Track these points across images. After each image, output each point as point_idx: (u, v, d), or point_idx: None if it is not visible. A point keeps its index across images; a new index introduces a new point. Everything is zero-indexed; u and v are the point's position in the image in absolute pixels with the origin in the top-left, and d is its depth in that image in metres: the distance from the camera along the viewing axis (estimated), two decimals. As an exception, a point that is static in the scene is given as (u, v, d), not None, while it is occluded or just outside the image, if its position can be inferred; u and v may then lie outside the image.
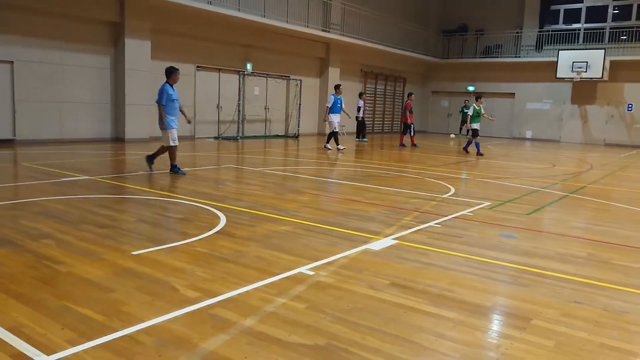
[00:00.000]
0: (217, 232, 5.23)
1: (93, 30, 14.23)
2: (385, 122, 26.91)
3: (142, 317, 3.11)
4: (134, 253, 4.40)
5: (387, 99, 26.73)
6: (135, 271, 3.95)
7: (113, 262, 4.15)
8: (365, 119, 24.83)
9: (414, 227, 5.79)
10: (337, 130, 15.32)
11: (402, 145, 18.42)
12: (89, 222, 5.45)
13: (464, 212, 6.78)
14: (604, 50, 22.95)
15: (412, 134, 18.51)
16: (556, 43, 25.25)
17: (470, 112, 15.61)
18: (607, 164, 14.99)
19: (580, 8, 25.35)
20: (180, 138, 9.50)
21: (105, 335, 2.86)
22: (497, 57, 26.57)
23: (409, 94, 19.26)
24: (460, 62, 27.61)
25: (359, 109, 19.79)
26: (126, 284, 3.68)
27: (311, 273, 4.08)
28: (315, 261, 4.37)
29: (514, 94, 26.12)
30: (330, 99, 15.46)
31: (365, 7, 22.67)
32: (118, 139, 14.79)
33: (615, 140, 23.90)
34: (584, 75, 23.12)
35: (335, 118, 15.37)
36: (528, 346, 3.00)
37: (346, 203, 7.18)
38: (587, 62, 22.99)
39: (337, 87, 15.97)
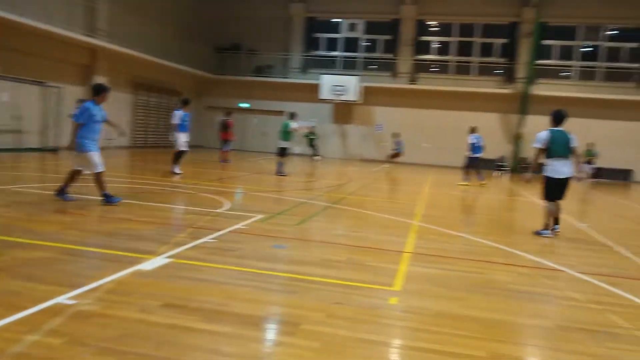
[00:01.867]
0: (-53, 265, 4.34)
1: None
2: (159, 136, 25.99)
3: None
4: None
5: (161, 113, 25.87)
6: None
7: None
8: (138, 133, 23.74)
9: (188, 243, 5.67)
10: (185, 149, 13.28)
11: (225, 161, 18.46)
12: None
13: (238, 225, 6.91)
14: (357, 77, 26.09)
15: (224, 149, 18.75)
16: (319, 67, 27.81)
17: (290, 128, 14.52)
18: (362, 177, 16.98)
19: (338, 38, 28.46)
20: None
21: None
22: (268, 76, 28.08)
23: (228, 112, 19.37)
24: (234, 79, 28.35)
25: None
26: None
27: (72, 302, 3.66)
28: (77, 288, 3.94)
29: (282, 111, 27.80)
30: (177, 115, 13.03)
31: (136, 16, 21.68)
32: None
33: (369, 156, 27.27)
34: (342, 98, 25.91)
35: (183, 137, 13.19)
36: (298, 350, 3.18)
37: (115, 222, 6.68)
38: (344, 86, 25.83)
39: (185, 101, 13.55)
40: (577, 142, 7.94)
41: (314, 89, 26.40)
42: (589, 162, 22.37)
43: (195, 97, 28.88)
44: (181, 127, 13.11)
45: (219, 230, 6.46)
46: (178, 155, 13.13)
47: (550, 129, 7.99)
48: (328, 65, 28.01)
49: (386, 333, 3.61)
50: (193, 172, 14.88)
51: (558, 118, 8.05)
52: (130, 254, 5.06)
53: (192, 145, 28.27)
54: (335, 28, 28.55)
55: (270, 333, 3.52)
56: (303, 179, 15.03)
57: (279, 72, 28.31)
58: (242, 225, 6.93)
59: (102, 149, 8.43)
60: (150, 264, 4.76)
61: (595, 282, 5.31)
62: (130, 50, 20.89)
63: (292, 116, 15.48)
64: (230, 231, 6.52)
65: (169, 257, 5.07)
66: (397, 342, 3.51)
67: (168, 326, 3.39)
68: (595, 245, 7.63)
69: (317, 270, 5.02)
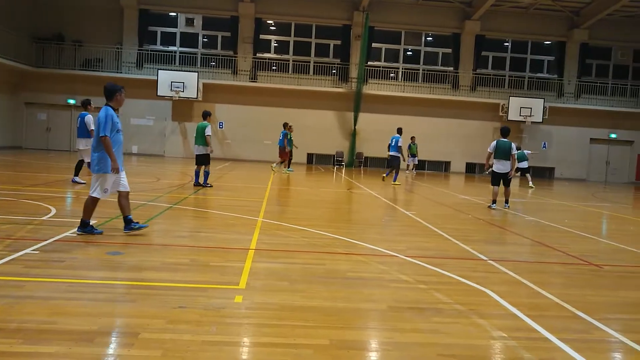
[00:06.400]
0: None
1: None
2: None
3: None
4: None
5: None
6: None
7: None
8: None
9: (5, 257, 5.00)
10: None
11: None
12: None
13: (67, 233, 6.30)
14: (197, 73, 25.47)
15: None
16: (156, 63, 26.53)
17: (208, 132, 12.80)
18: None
19: (175, 32, 27.43)
20: None
21: None
22: (99, 71, 26.00)
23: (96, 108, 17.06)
24: (59, 72, 25.73)
25: None
26: None
27: None
28: None
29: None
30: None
31: None
32: None
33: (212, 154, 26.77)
34: (181, 94, 25.08)
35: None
36: (136, 362, 3.00)
37: None
38: (183, 82, 25.04)
39: (86, 103, 11.65)
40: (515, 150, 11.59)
41: (151, 85, 25.15)
42: (413, 155, 24.60)
43: (11, 92, 25.71)
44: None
45: (44, 240, 5.82)
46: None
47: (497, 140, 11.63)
48: (165, 60, 26.86)
49: (231, 332, 3.57)
50: (14, 176, 13.22)
51: (504, 132, 11.72)
52: None
53: (9, 147, 25.23)
54: (171, 22, 27.46)
55: (106, 347, 3.25)
56: (143, 179, 14.23)
57: (111, 66, 26.40)
58: (72, 233, 6.33)
59: None
60: (-45, 285, 4.11)
61: (422, 264, 5.86)
62: None
63: (206, 116, 13.12)
64: (57, 240, 5.91)
65: (-20, 274, 4.42)
66: (242, 340, 3.49)
67: (-21, 354, 2.96)
68: (422, 230, 8.44)
69: (158, 275, 4.80)
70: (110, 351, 3.19)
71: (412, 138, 24.49)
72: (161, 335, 3.39)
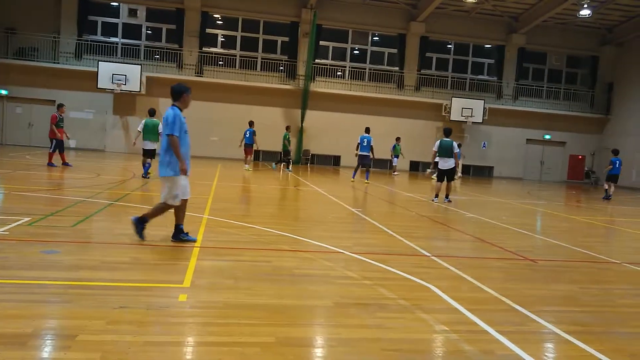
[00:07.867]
0: None
1: None
2: None
3: None
4: None
5: None
6: None
7: None
8: None
9: None
10: None
11: (51, 164, 15.07)
12: None
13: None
14: (140, 66, 24.67)
15: (59, 151, 15.41)
16: (96, 54, 25.50)
17: (140, 128, 13.39)
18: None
19: (117, 23, 26.46)
20: None
21: None
22: (34, 60, 24.72)
23: (59, 105, 16.02)
24: (-10, 61, 24.32)
25: None
26: None
27: None
28: None
29: (54, 101, 24.84)
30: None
31: None
32: None
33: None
34: (123, 87, 24.25)
35: None
36: (73, 365, 2.87)
37: None
38: (125, 75, 24.20)
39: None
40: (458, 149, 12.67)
41: (91, 76, 24.19)
42: (397, 156, 24.38)
43: None
44: None
45: (-29, 239, 5.48)
46: None
47: (440, 139, 12.61)
48: (106, 52, 25.86)
49: (175, 332, 3.48)
50: None
51: (446, 132, 12.76)
52: None
53: None
54: (113, 12, 26.46)
55: (41, 351, 3.10)
56: (82, 175, 13.67)
57: (48, 56, 25.14)
58: (3, 231, 5.99)
59: None
60: None
61: (368, 260, 5.93)
62: None
63: (151, 113, 13.42)
64: (-14, 239, 5.58)
65: None
66: (186, 340, 3.41)
67: None
68: (367, 227, 8.55)
69: (97, 274, 4.61)
70: (45, 355, 3.04)
71: (398, 139, 24.34)
72: (100, 336, 3.27)
